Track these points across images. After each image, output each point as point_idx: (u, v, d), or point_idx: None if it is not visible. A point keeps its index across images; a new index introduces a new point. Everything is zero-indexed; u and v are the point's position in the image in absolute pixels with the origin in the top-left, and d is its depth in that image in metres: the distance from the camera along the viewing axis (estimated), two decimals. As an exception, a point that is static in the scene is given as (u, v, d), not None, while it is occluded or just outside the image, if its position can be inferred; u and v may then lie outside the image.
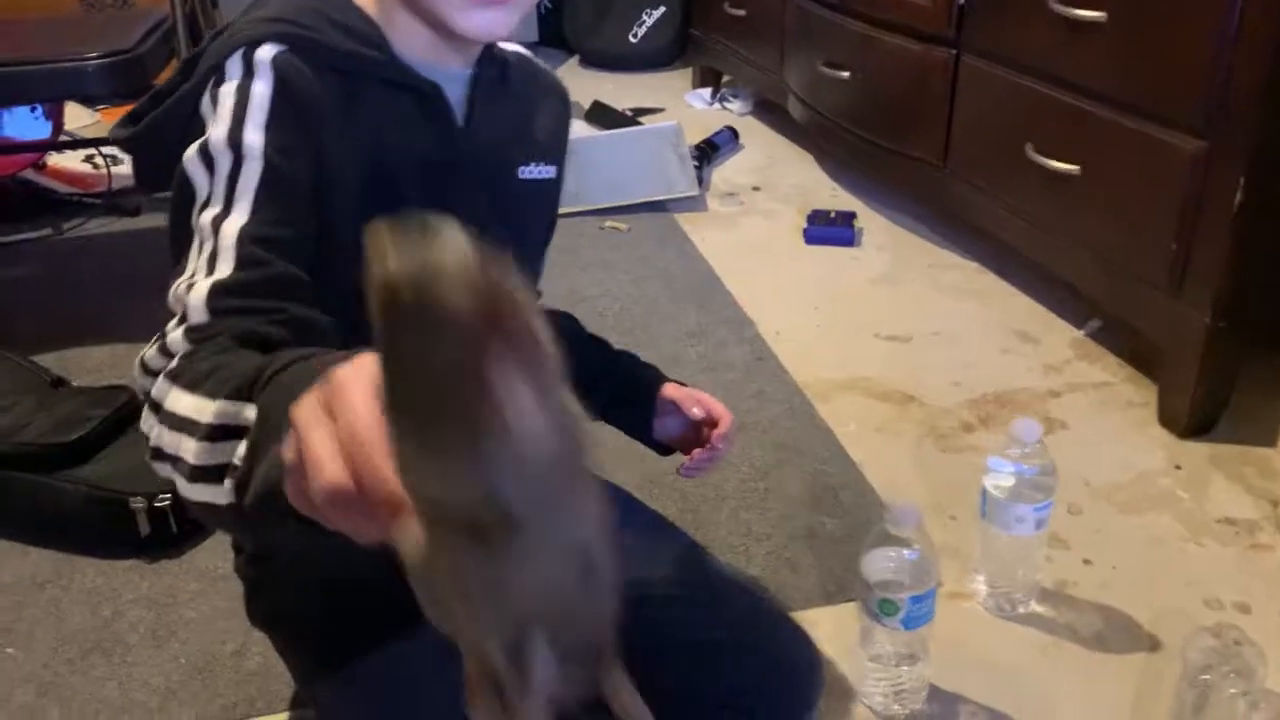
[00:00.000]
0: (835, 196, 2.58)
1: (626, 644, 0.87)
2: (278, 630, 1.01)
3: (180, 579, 1.41)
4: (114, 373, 1.72)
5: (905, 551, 1.13)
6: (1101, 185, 1.72)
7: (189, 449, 0.60)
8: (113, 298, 2.08)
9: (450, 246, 0.39)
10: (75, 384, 1.69)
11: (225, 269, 0.71)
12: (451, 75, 0.87)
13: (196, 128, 0.77)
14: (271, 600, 0.98)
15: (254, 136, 0.74)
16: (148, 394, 0.68)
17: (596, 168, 2.50)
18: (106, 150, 2.71)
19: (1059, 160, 1.78)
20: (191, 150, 0.75)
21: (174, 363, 0.67)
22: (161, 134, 0.81)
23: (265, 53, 0.77)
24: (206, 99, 0.77)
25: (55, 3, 3.06)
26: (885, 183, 2.49)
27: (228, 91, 0.76)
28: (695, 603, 0.95)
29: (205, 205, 0.74)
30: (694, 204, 2.55)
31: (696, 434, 1.07)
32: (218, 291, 0.69)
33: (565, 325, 1.13)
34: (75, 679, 1.26)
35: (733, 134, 2.91)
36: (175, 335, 0.69)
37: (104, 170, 2.69)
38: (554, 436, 0.42)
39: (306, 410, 0.48)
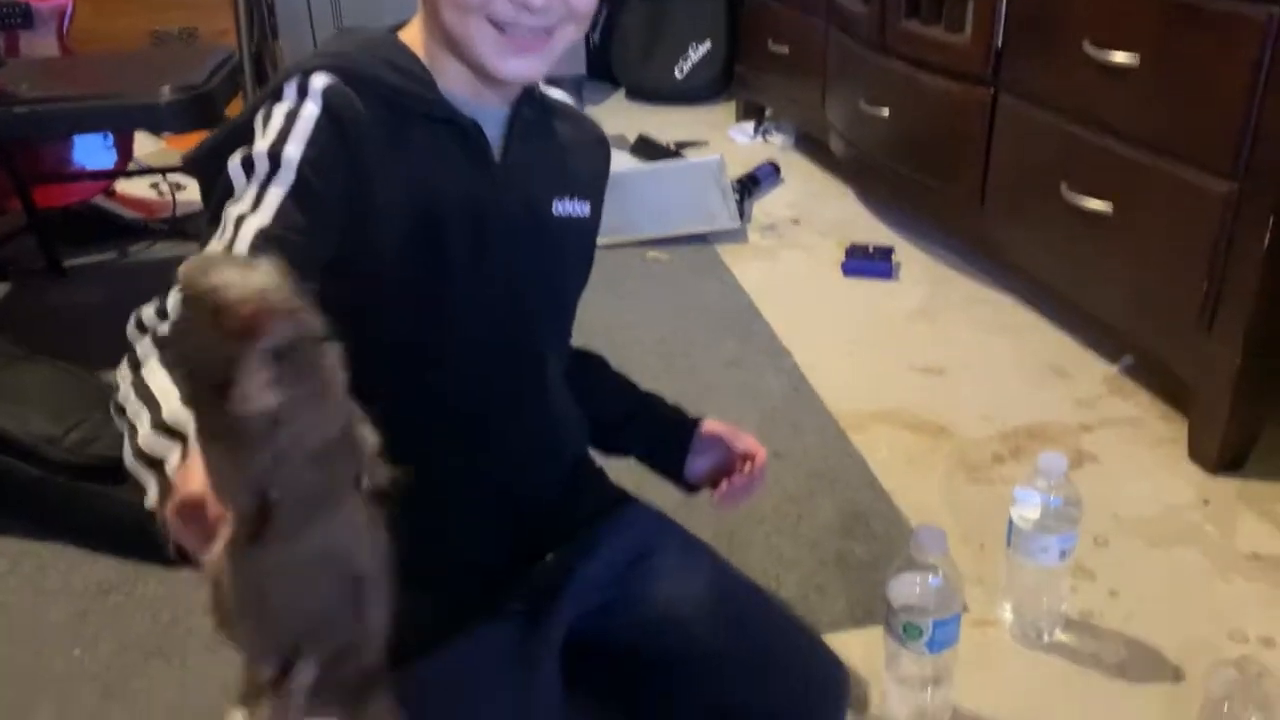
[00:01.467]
0: (874, 231, 2.62)
1: (658, 659, 0.92)
2: None
3: (236, 588, 1.48)
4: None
5: (930, 576, 1.17)
6: (1133, 224, 1.75)
7: (143, 428, 0.66)
8: (175, 319, 2.18)
9: (236, 269, 0.46)
10: (141, 401, 1.77)
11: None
12: (491, 114, 0.92)
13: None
14: None
15: (293, 150, 0.79)
16: (132, 349, 0.74)
17: (640, 200, 2.57)
18: (171, 177, 2.82)
19: (1093, 198, 1.81)
20: (236, 155, 0.81)
21: (164, 327, 0.72)
22: (222, 154, 0.84)
23: (319, 80, 0.83)
24: (260, 115, 0.84)
25: (126, 35, 3.21)
26: (923, 218, 2.54)
27: (280, 110, 0.82)
28: (726, 620, 0.98)
29: (236, 202, 0.79)
30: (735, 236, 2.61)
31: (727, 470, 1.10)
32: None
33: (597, 366, 1.16)
34: (137, 681, 1.33)
35: (774, 168, 2.97)
36: (174, 300, 0.71)
37: (168, 197, 2.81)
38: (313, 434, 0.47)
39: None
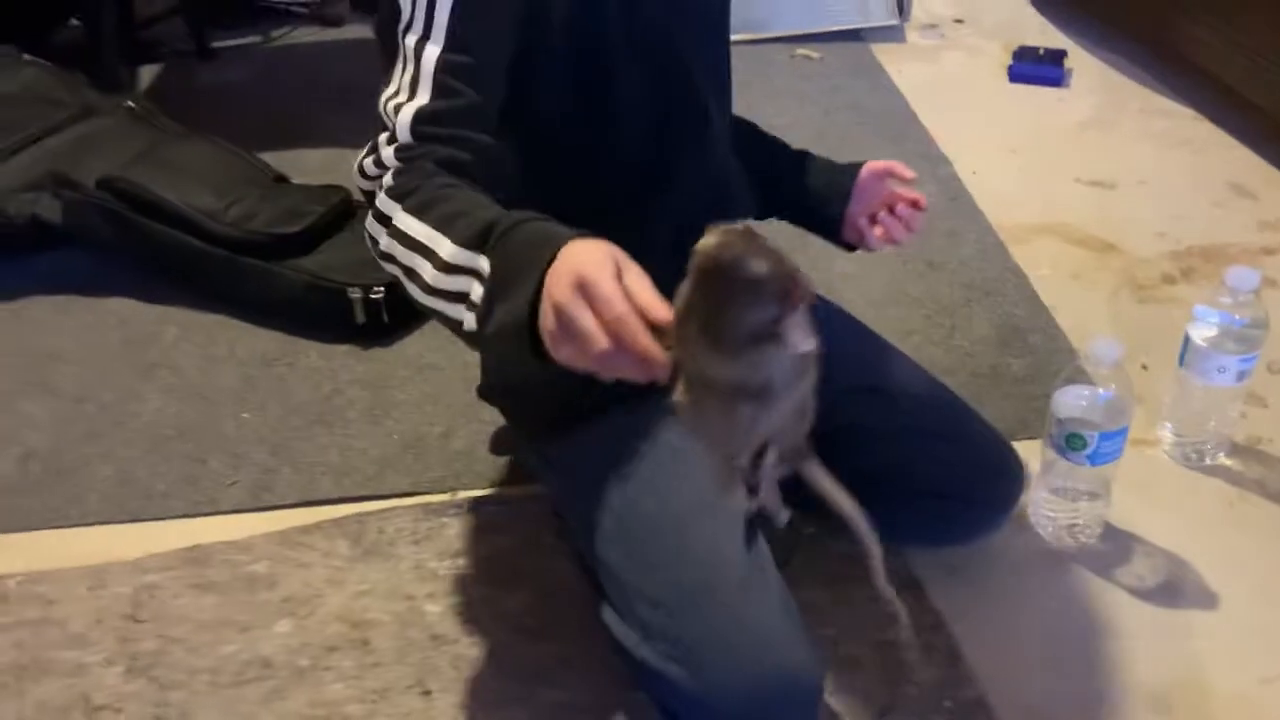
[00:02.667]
0: (1044, 33, 2.43)
1: (847, 428, 0.97)
2: (511, 398, 1.14)
3: (392, 365, 1.53)
4: (329, 175, 1.82)
5: (1099, 389, 1.13)
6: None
7: (426, 271, 0.76)
8: (320, 105, 2.18)
9: (754, 237, 0.65)
10: (295, 181, 1.80)
11: (424, 96, 0.83)
12: None
13: None
14: (506, 369, 1.09)
15: None
16: (371, 199, 0.83)
17: (791, -8, 2.42)
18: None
19: (1310, -3, 1.63)
20: None
21: (390, 179, 0.81)
22: None
23: None
24: None
25: None
26: (1100, 19, 2.34)
27: None
28: (906, 394, 1.08)
29: (408, 28, 0.84)
30: (891, 34, 2.45)
31: (886, 205, 1.10)
32: (420, 118, 0.82)
33: (748, 127, 1.17)
34: (302, 444, 1.40)
35: (937, -38, 2.76)
36: (387, 152, 0.82)
37: (310, -20, 2.77)
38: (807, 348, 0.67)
39: (563, 290, 0.64)
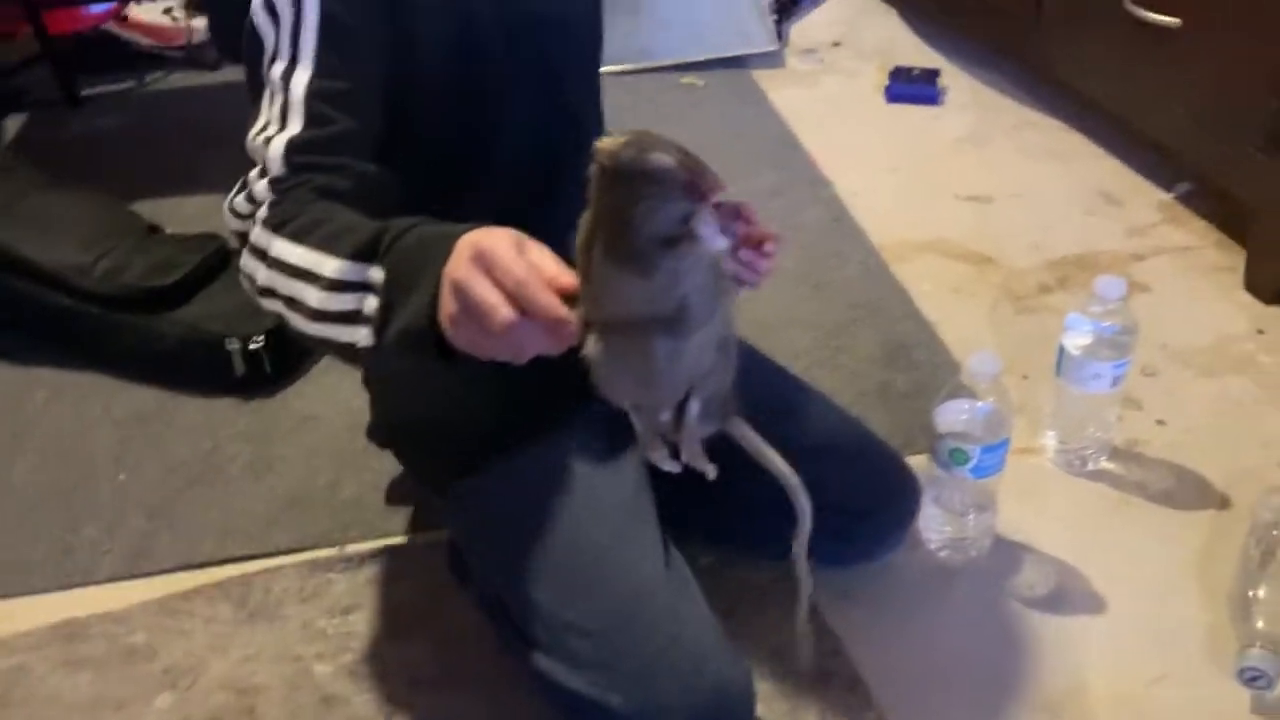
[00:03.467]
0: (919, 54, 2.49)
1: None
2: (406, 438, 1.11)
3: (275, 417, 1.48)
4: (204, 222, 1.77)
5: (979, 403, 1.14)
6: (1202, 40, 1.64)
7: (311, 296, 0.72)
8: (197, 150, 2.12)
9: (654, 136, 0.62)
10: (168, 231, 1.74)
11: (296, 125, 0.79)
12: None
13: None
14: (401, 407, 1.05)
15: None
16: (244, 237, 0.79)
17: (672, 19, 2.44)
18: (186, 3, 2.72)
19: (1159, 12, 1.70)
20: (257, 3, 0.81)
21: (265, 211, 0.77)
22: None
23: None
24: None
25: None
26: (972, 39, 2.41)
27: None
28: (808, 415, 1.11)
29: (274, 58, 0.81)
30: (772, 60, 2.49)
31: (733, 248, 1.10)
32: (292, 148, 0.78)
33: None
34: (181, 506, 1.34)
35: (813, -13, 2.81)
36: (259, 186, 0.78)
37: (182, 24, 2.70)
38: (715, 254, 0.64)
39: (461, 266, 0.62)
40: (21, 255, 1.54)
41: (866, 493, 1.11)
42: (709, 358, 0.70)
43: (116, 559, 1.27)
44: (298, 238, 0.74)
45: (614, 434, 0.97)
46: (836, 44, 2.59)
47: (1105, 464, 1.34)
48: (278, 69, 0.80)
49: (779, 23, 2.56)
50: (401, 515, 1.30)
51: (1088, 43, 1.92)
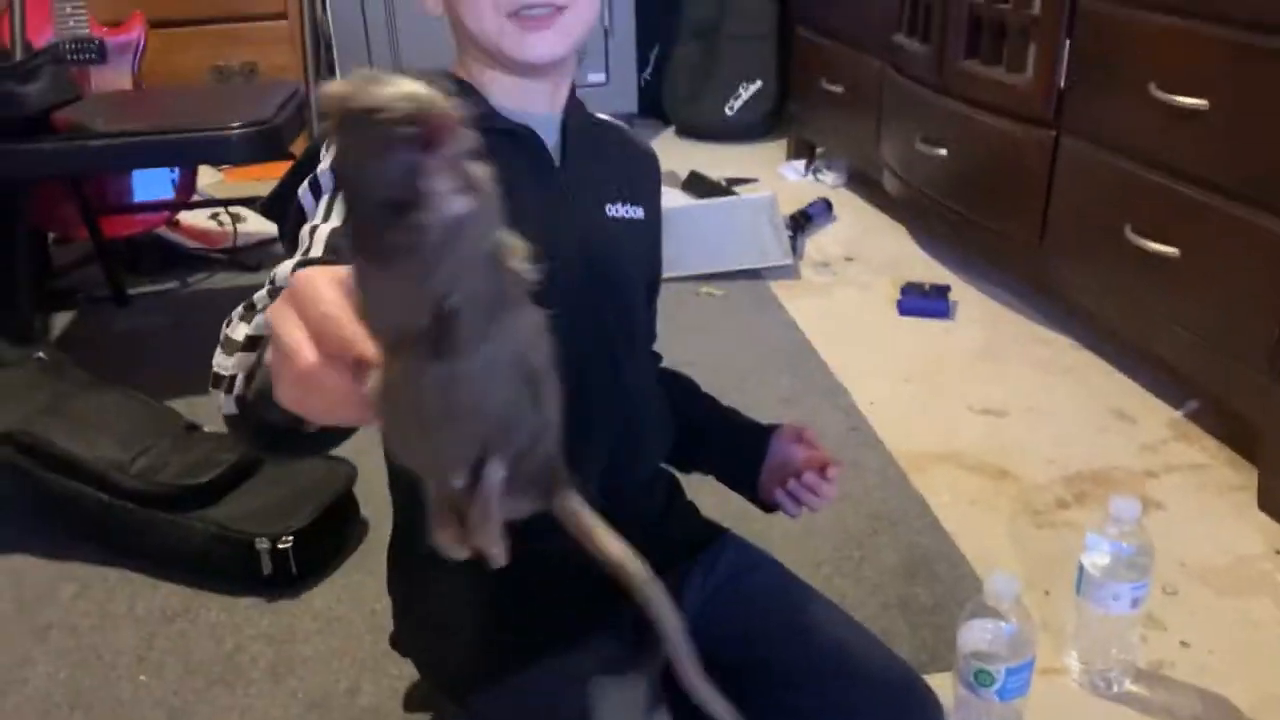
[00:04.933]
0: (929, 269, 2.61)
1: (752, 672, 0.93)
2: (430, 646, 1.09)
3: (298, 618, 1.49)
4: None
5: (1002, 623, 1.15)
6: (1201, 268, 1.73)
7: (226, 364, 0.71)
8: (236, 348, 2.20)
9: (382, 77, 0.45)
10: (206, 429, 1.79)
11: (314, 255, 0.79)
12: (541, 120, 0.96)
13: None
14: (425, 614, 1.05)
15: None
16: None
17: (693, 236, 2.58)
18: (232, 209, 2.88)
19: (1158, 242, 1.80)
20: (304, 184, 0.85)
21: (240, 308, 0.76)
22: (293, 194, 0.88)
23: None
24: (324, 147, 0.87)
25: (189, 70, 3.29)
26: (980, 257, 2.52)
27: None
28: (820, 639, 1.04)
29: (310, 220, 0.82)
30: (788, 272, 2.61)
31: (796, 471, 1.11)
32: (300, 265, 0.76)
33: (684, 380, 1.21)
34: (201, 708, 1.34)
35: (827, 205, 2.97)
36: (260, 294, 0.77)
37: (228, 227, 2.86)
38: (485, 240, 0.48)
39: (276, 308, 0.53)
40: (66, 454, 1.59)
41: (886, 716, 1.06)
42: (505, 395, 0.52)
43: (132, 764, 1.26)
44: (247, 318, 0.73)
45: (640, 642, 0.95)
46: (849, 258, 2.72)
47: (1131, 686, 1.33)
48: (308, 225, 0.82)
49: (793, 238, 2.69)
50: (419, 722, 1.30)
51: (1090, 268, 2.02)
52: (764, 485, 1.14)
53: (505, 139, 0.93)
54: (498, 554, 0.59)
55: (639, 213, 1.05)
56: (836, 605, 1.16)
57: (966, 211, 2.40)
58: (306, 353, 0.51)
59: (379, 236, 0.46)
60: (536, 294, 0.52)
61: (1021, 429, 1.92)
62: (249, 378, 0.65)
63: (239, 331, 0.74)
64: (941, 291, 2.40)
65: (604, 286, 0.99)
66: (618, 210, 1.02)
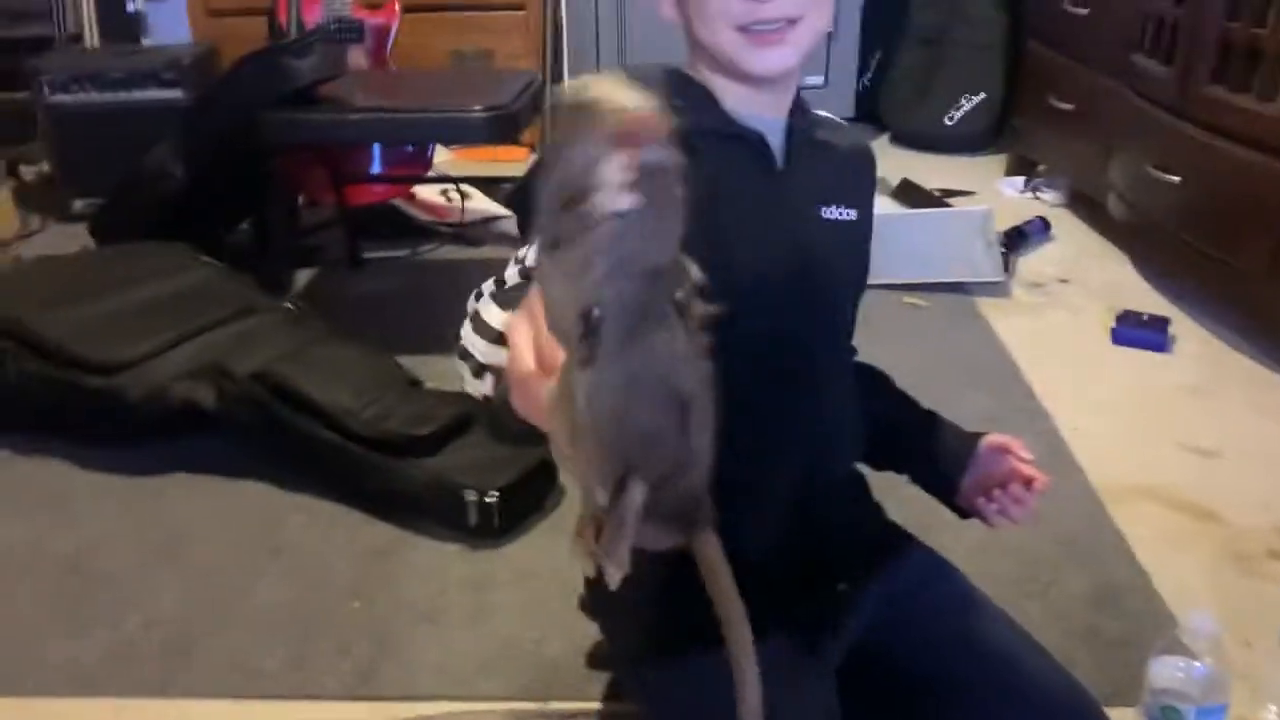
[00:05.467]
0: (1146, 298, 2.51)
1: (928, 684, 0.99)
2: (614, 615, 1.15)
3: (496, 568, 1.60)
4: (457, 381, 1.94)
5: (1196, 663, 1.12)
6: None
7: (478, 346, 0.78)
8: (456, 315, 2.35)
9: (608, 79, 0.48)
10: (427, 386, 1.94)
11: None
12: (771, 123, 1.00)
13: None
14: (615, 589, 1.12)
15: None
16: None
17: (902, 244, 2.56)
18: (461, 186, 3.06)
19: None
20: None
21: (491, 285, 0.85)
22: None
23: None
24: None
25: (430, 54, 3.49)
26: (1204, 290, 2.40)
27: None
28: (997, 657, 1.04)
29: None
30: (997, 290, 2.56)
31: (1001, 483, 1.11)
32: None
33: (881, 376, 1.23)
34: (406, 640, 1.46)
35: (1044, 224, 2.89)
36: (511, 271, 0.85)
37: (457, 203, 3.04)
38: (647, 255, 0.48)
39: (515, 317, 0.57)
40: (308, 396, 1.76)
41: None
42: (648, 414, 0.52)
43: (343, 679, 1.39)
44: (504, 303, 0.78)
45: (814, 648, 0.97)
46: (1064, 280, 2.64)
47: (1333, 749, 1.26)
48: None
49: (1006, 255, 2.63)
50: (600, 681, 1.37)
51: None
52: (965, 491, 1.14)
53: (735, 143, 0.98)
54: (616, 577, 0.60)
55: (852, 214, 1.08)
56: (1018, 624, 1.14)
57: (1196, 241, 2.29)
58: (526, 360, 0.55)
59: (553, 223, 0.49)
60: (712, 323, 0.52)
61: (1233, 471, 1.83)
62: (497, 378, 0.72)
63: (493, 316, 0.80)
64: (1160, 323, 2.30)
65: (812, 285, 1.03)
66: (832, 212, 1.06)
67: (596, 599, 1.20)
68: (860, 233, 1.11)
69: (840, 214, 1.06)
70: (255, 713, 1.34)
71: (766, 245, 0.98)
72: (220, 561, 1.62)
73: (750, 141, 0.99)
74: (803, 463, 1.03)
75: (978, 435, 1.16)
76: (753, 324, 0.94)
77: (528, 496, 1.69)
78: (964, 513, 1.16)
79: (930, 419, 1.20)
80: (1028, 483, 1.09)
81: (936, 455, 1.16)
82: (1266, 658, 1.34)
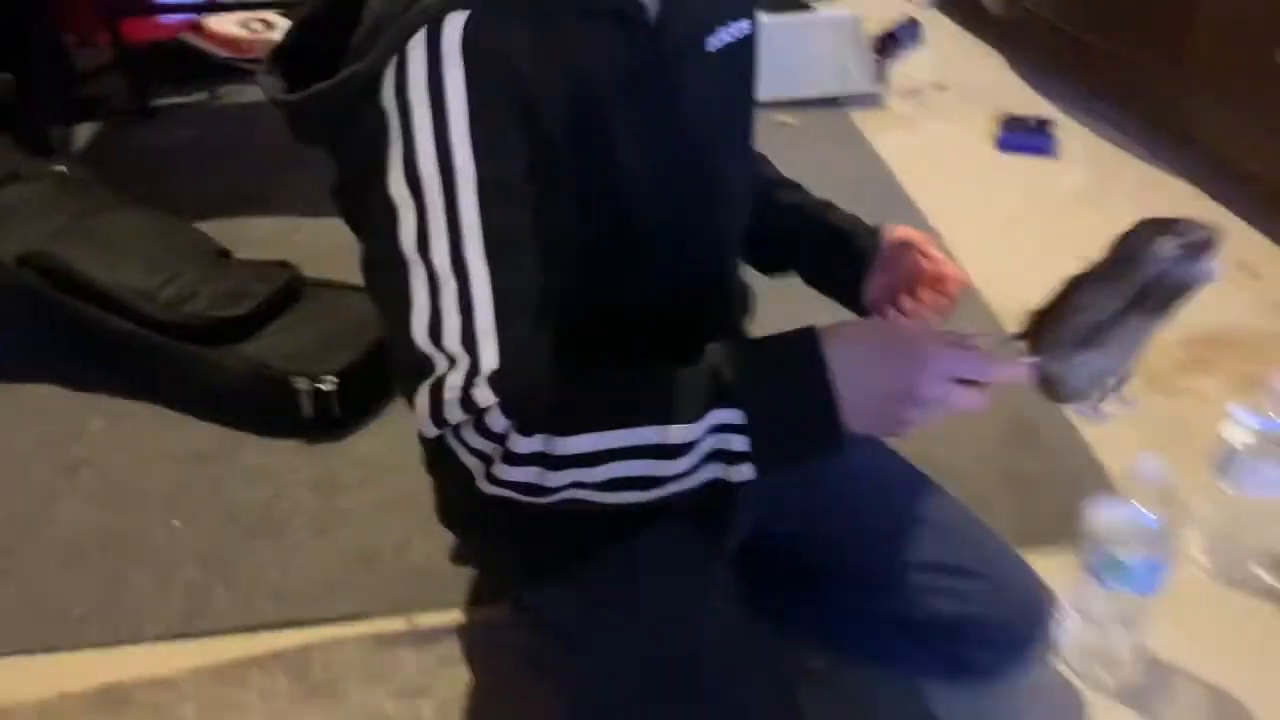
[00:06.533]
0: (1029, 101, 2.37)
1: (842, 569, 0.98)
2: (483, 533, 0.99)
3: (342, 465, 1.38)
4: (276, 248, 1.68)
5: (1143, 510, 1.01)
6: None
7: (671, 469, 0.71)
8: (270, 169, 2.05)
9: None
10: (239, 256, 1.65)
11: (490, 358, 0.71)
12: None
13: (370, 112, 0.71)
14: (479, 504, 0.93)
15: (462, 151, 0.70)
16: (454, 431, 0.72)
17: (767, 58, 2.31)
18: (261, 14, 2.66)
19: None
20: (396, 174, 0.71)
21: (531, 439, 0.71)
22: (328, 107, 0.74)
23: (451, 33, 0.69)
24: (390, 94, 0.70)
25: None
26: (1089, 88, 2.27)
27: (417, 93, 0.70)
28: (924, 529, 0.99)
29: (426, 235, 0.71)
30: (872, 101, 2.38)
31: (908, 286, 0.94)
32: (499, 384, 0.71)
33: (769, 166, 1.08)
34: (238, 560, 1.25)
35: (915, 26, 2.70)
36: (493, 418, 0.71)
37: (261, 35, 2.65)
38: (1149, 329, 0.83)
39: (930, 387, 0.73)
40: (86, 277, 1.46)
41: (982, 615, 0.95)
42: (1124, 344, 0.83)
43: (167, 615, 1.17)
44: (591, 425, 0.72)
45: (697, 535, 0.87)
46: (941, 87, 2.48)
47: (1267, 578, 1.19)
48: (440, 249, 0.71)
49: (878, 63, 2.44)
50: (474, 581, 1.19)
51: (1234, 97, 1.78)
52: (868, 293, 0.97)
53: (600, 19, 0.78)
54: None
55: (744, 26, 0.89)
56: (935, 484, 1.05)
57: (1085, 34, 2.14)
58: (969, 399, 0.76)
59: (1122, 277, 0.82)
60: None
61: (1135, 283, 1.73)
62: (766, 446, 0.72)
63: (607, 439, 0.72)
64: (1044, 126, 2.17)
65: (713, 130, 0.88)
66: (722, 36, 0.87)
67: (458, 510, 0.99)
68: (753, 45, 0.93)
69: (729, 35, 0.88)
70: (62, 667, 1.13)
71: (648, 109, 0.81)
72: (5, 485, 1.36)
73: (623, 14, 0.79)
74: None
75: (876, 229, 0.97)
76: (654, 218, 0.84)
77: (372, 380, 1.44)
78: (866, 312, 0.98)
79: (827, 210, 1.03)
80: (938, 281, 0.92)
81: (834, 250, 0.98)
82: (1187, 479, 1.24)
